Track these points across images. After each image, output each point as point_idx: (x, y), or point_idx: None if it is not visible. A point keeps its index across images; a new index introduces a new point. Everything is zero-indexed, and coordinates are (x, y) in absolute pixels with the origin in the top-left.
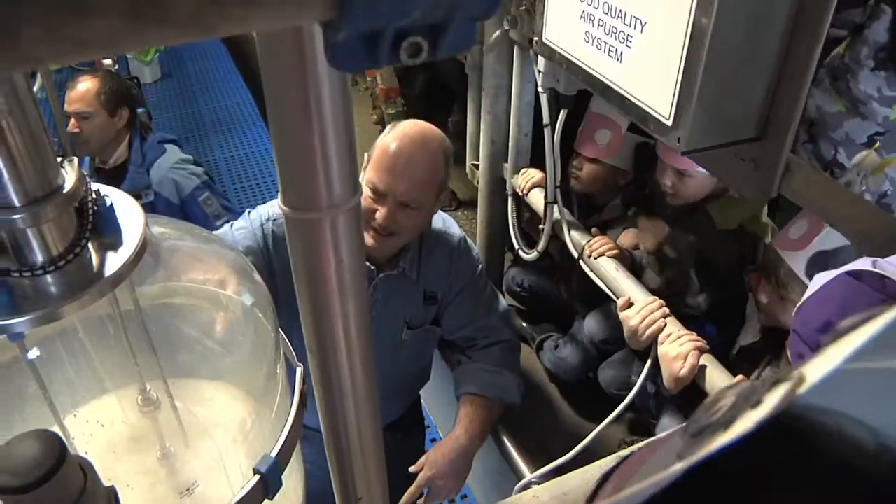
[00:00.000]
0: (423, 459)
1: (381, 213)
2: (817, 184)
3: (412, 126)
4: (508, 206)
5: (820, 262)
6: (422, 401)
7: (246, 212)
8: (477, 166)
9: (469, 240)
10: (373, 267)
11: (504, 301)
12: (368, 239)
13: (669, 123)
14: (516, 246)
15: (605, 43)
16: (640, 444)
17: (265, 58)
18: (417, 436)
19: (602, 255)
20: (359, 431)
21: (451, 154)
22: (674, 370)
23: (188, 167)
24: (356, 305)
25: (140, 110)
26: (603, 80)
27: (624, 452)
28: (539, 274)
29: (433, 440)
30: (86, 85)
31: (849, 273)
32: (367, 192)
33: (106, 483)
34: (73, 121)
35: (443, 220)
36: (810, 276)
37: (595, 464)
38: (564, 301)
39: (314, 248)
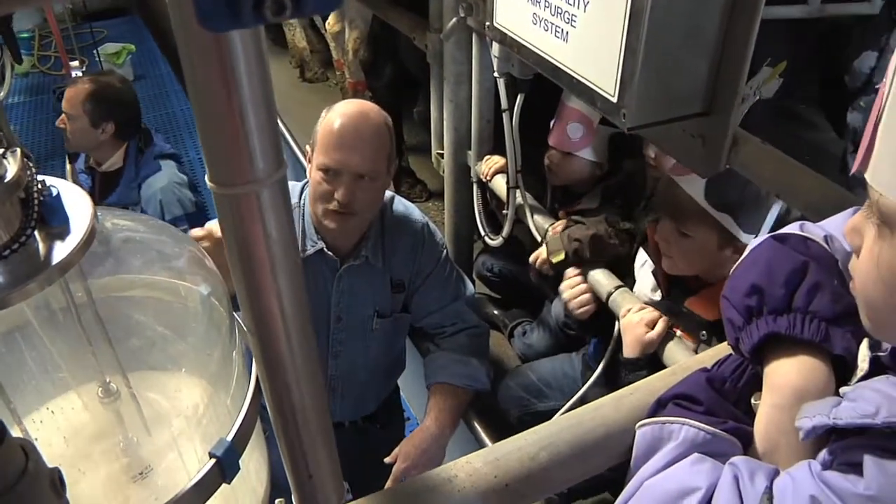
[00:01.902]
0: (396, 451)
1: (340, 192)
2: (765, 157)
3: (350, 104)
4: (473, 193)
5: (721, 181)
6: (401, 391)
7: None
8: (442, 155)
9: (432, 225)
10: (335, 257)
11: (471, 286)
12: (329, 223)
13: (614, 100)
14: (482, 232)
15: (552, 24)
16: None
17: (181, 35)
18: (397, 426)
19: None
20: (303, 408)
21: (392, 127)
22: (638, 334)
23: (179, 192)
24: (289, 281)
25: None
26: (551, 61)
27: None
28: (509, 259)
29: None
30: (78, 87)
31: (774, 237)
32: (318, 176)
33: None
34: (63, 115)
35: (404, 206)
36: (710, 200)
37: (529, 431)
38: (534, 285)
39: (241, 224)
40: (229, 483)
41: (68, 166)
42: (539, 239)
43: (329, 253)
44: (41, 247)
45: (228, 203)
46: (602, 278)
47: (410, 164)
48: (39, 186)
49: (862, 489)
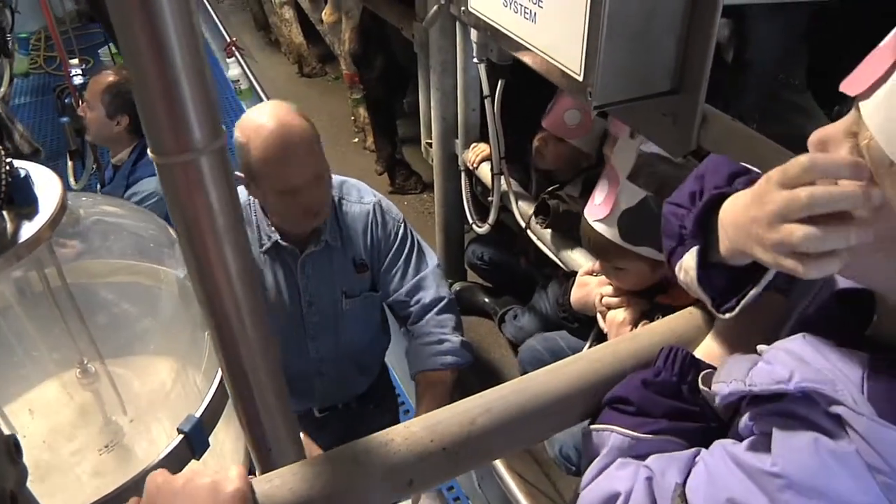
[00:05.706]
0: None
1: (310, 203)
2: (735, 134)
3: (260, 118)
4: (462, 181)
5: (631, 220)
6: (392, 372)
7: None
8: (431, 144)
9: (385, 202)
10: (293, 246)
11: (435, 257)
12: (306, 226)
13: (580, 79)
14: (470, 220)
15: (521, 5)
16: None
17: (114, 11)
18: (391, 405)
19: None
20: (257, 379)
21: (306, 116)
22: (622, 333)
23: (161, 205)
24: (234, 250)
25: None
26: (522, 42)
27: None
28: (498, 247)
29: (406, 411)
30: (100, 77)
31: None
32: (277, 199)
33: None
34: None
35: (357, 190)
36: (627, 240)
37: (474, 396)
38: (524, 272)
39: (183, 194)
40: (198, 459)
41: (69, 163)
42: (524, 225)
43: (284, 243)
44: (9, 226)
45: (168, 173)
46: (582, 259)
47: (405, 155)
48: (7, 168)
49: (768, 465)
